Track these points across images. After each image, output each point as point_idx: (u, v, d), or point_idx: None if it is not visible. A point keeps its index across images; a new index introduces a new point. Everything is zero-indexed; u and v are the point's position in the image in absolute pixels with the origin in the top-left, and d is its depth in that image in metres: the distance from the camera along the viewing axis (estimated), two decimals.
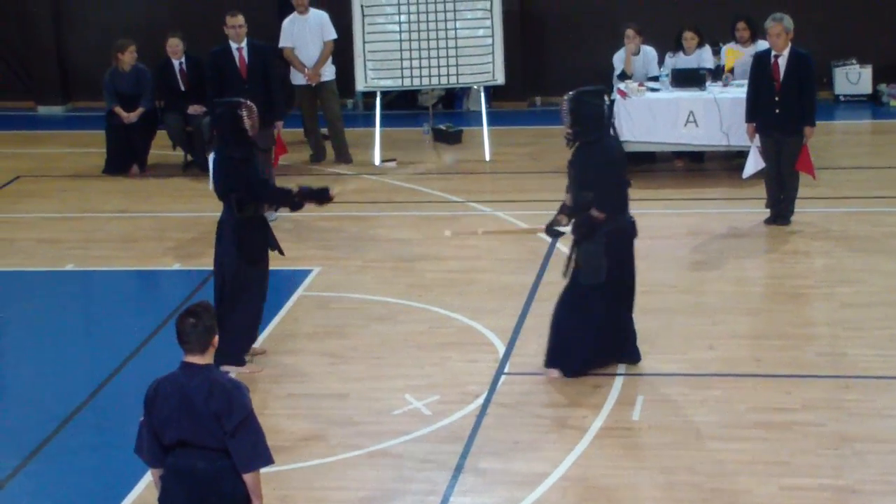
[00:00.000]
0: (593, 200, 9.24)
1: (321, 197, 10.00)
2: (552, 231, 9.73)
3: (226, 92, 13.32)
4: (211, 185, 9.87)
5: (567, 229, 9.59)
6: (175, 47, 15.73)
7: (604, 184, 9.29)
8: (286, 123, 16.24)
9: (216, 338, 6.37)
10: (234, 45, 13.48)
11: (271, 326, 10.77)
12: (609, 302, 9.44)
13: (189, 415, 6.24)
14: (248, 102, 9.70)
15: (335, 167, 15.81)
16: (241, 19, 13.57)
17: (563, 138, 9.47)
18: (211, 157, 9.74)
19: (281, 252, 10.01)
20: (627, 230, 9.49)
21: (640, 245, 12.28)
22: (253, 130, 9.63)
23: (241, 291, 9.78)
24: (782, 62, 12.56)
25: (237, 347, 9.84)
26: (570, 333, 9.47)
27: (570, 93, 9.40)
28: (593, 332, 9.45)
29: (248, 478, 6.32)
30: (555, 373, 9.56)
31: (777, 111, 12.58)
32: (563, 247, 9.76)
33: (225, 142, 9.68)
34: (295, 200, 9.94)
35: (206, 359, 6.33)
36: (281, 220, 13.76)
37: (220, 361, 9.62)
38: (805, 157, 12.61)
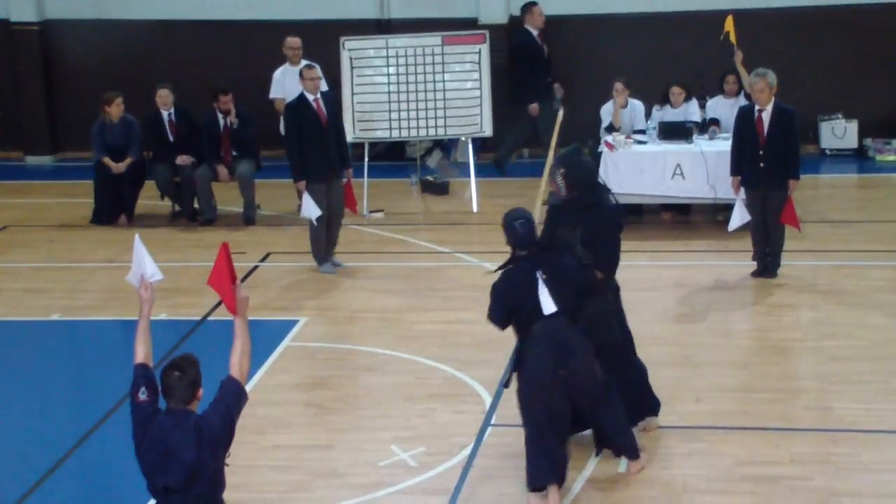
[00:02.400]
0: (596, 262, 9.01)
1: None
2: None
3: (306, 144, 13.28)
4: None
5: None
6: (165, 98, 15.78)
7: (609, 246, 9.15)
8: (278, 173, 16.34)
9: (201, 391, 6.34)
10: (310, 97, 13.46)
11: (257, 377, 10.75)
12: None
13: (174, 464, 6.21)
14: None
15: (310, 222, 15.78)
16: (318, 72, 13.59)
17: (555, 207, 9.24)
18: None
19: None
20: (617, 287, 9.41)
21: (626, 297, 12.33)
22: None
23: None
24: (766, 117, 12.64)
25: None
26: (635, 385, 9.36)
27: (556, 161, 9.22)
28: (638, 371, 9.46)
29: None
30: (655, 421, 9.49)
31: (762, 165, 12.64)
32: None
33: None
34: None
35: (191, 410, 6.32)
36: (267, 270, 13.77)
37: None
38: (789, 209, 12.66)
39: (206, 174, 15.57)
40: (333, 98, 13.84)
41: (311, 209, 13.28)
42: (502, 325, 8.75)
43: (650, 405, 9.51)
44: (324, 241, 13.56)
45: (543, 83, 17.25)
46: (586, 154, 9.33)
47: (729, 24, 14.61)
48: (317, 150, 13.30)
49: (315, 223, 13.38)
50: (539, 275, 8.53)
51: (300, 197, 13.41)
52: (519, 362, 8.62)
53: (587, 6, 18.25)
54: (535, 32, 17.19)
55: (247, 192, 15.60)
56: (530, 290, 8.52)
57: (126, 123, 15.93)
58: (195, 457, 6.20)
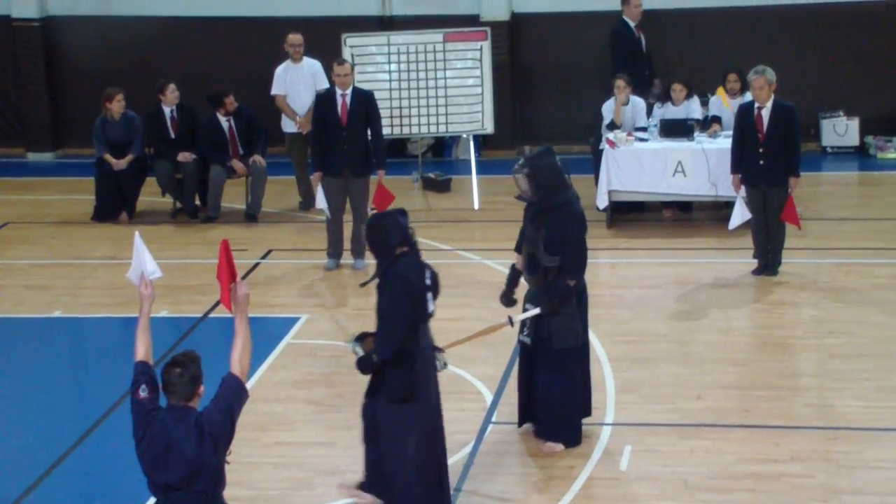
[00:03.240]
0: (564, 267, 8.98)
1: None
2: (514, 319, 9.17)
3: (326, 136, 13.36)
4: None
5: (535, 311, 9.05)
6: (174, 93, 15.77)
7: (576, 250, 9.06)
8: (279, 170, 16.32)
9: (202, 388, 6.35)
10: (338, 92, 13.49)
11: (258, 374, 10.75)
12: (583, 360, 9.38)
13: (175, 461, 6.22)
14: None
15: (324, 214, 15.78)
16: (347, 68, 13.58)
17: (528, 204, 9.16)
18: None
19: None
20: (584, 289, 9.32)
21: (628, 294, 12.37)
22: None
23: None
24: (766, 114, 12.63)
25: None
26: (563, 402, 9.19)
27: (521, 161, 9.17)
28: (579, 394, 9.34)
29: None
30: (559, 447, 9.23)
31: (762, 162, 12.64)
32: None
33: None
34: None
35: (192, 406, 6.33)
36: (268, 267, 13.77)
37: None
38: (790, 207, 12.66)
39: (221, 176, 15.51)
40: (367, 97, 13.70)
41: (319, 201, 13.40)
42: (401, 338, 7.95)
43: (575, 432, 9.32)
44: (334, 236, 13.60)
45: (642, 76, 16.42)
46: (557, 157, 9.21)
47: (720, 93, 14.79)
48: (332, 145, 13.34)
49: (328, 215, 13.47)
50: (427, 270, 8.03)
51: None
52: (413, 383, 7.94)
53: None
54: (632, 24, 16.81)
55: (258, 188, 15.58)
56: (423, 285, 7.98)
57: (127, 120, 15.92)
58: (196, 453, 6.21)
